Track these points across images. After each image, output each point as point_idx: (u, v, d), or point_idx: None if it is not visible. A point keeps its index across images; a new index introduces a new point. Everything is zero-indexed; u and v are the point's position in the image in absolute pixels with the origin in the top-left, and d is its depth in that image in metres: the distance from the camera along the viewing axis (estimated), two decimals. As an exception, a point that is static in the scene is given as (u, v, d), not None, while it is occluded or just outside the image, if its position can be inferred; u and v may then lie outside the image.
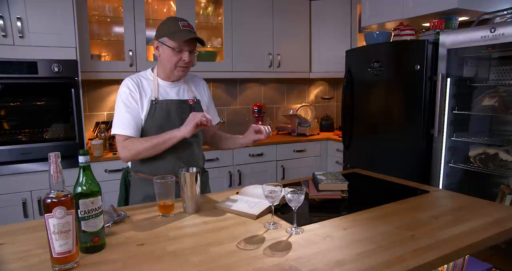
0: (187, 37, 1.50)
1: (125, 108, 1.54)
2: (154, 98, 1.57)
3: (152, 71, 1.65)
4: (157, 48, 1.58)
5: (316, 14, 3.67)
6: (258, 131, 1.59)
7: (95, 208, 1.03)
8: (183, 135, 1.46)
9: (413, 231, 1.18)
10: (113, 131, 1.56)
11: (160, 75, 1.63)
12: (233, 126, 3.66)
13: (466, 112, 2.39)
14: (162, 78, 1.63)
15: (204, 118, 1.42)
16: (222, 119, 3.62)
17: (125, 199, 1.75)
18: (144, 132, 1.59)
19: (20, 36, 2.36)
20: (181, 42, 1.51)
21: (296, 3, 3.59)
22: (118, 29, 3.04)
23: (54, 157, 0.93)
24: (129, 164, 1.68)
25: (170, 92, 1.63)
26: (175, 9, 3.10)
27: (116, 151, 2.70)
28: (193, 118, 1.44)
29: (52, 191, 0.94)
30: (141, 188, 1.62)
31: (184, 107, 1.62)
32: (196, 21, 3.18)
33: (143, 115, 1.57)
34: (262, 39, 3.46)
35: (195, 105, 1.67)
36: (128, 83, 1.58)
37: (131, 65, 2.91)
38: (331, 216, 1.32)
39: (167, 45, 1.53)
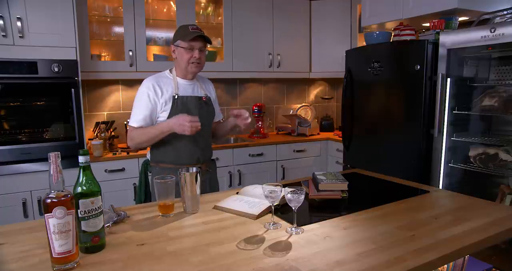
0: (194, 35, 1.72)
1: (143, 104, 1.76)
2: (175, 94, 1.77)
3: (170, 71, 1.86)
4: (173, 51, 1.82)
5: (316, 14, 3.67)
6: (237, 115, 1.80)
7: (95, 208, 1.03)
8: (171, 130, 1.66)
9: (413, 231, 1.18)
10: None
11: (178, 75, 1.85)
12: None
13: (466, 112, 2.39)
14: (180, 77, 1.85)
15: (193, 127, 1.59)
16: (223, 118, 3.62)
17: (145, 191, 1.87)
18: None
19: (20, 36, 2.36)
20: (191, 41, 1.74)
21: (296, 3, 3.59)
22: (118, 29, 3.04)
23: (54, 157, 0.93)
24: (149, 155, 1.87)
25: (188, 89, 1.84)
26: (175, 9, 3.10)
27: (117, 151, 2.77)
28: (182, 120, 1.61)
29: (52, 191, 0.94)
30: None
31: (201, 103, 1.85)
32: (196, 21, 3.18)
33: (164, 109, 1.76)
34: (262, 39, 3.46)
35: (208, 102, 1.90)
36: (147, 83, 1.78)
37: (131, 65, 2.91)
38: (331, 216, 1.32)
39: (180, 47, 1.77)
